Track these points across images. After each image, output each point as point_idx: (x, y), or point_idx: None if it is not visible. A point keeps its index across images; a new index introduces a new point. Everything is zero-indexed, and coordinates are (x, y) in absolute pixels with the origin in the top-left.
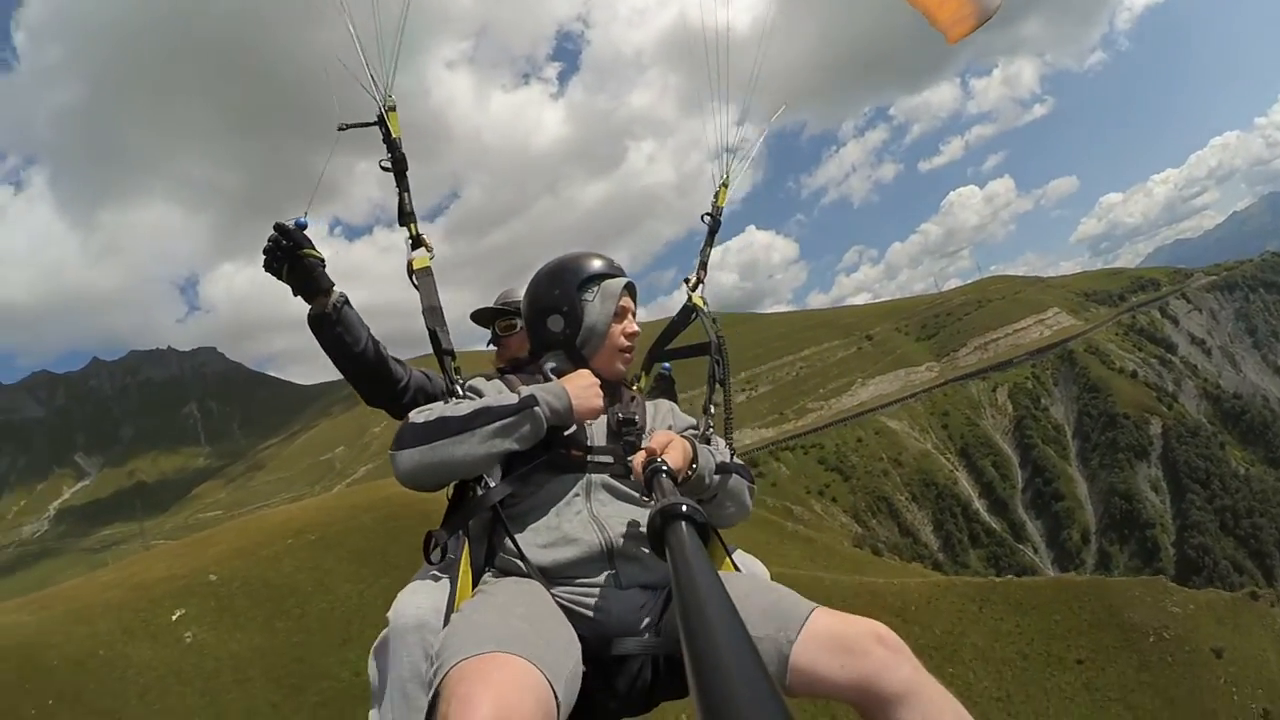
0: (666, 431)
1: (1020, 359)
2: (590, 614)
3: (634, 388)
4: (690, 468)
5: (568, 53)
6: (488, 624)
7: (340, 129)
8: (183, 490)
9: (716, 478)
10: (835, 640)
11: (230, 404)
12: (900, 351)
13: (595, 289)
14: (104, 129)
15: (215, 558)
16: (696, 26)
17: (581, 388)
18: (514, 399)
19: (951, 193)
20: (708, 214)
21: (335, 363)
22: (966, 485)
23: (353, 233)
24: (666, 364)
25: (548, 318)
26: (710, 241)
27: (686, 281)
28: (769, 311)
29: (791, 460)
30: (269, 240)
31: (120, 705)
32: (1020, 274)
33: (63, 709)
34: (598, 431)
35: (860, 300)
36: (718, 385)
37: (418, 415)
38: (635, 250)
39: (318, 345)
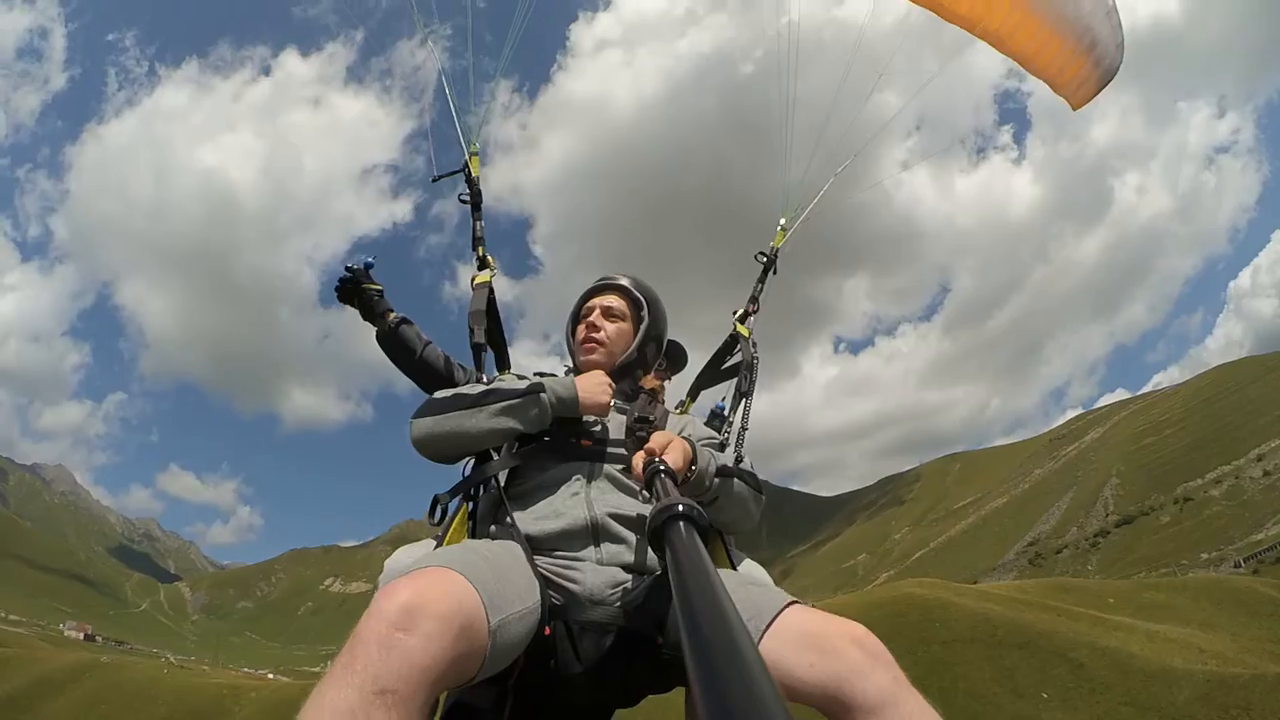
0: (667, 432)
1: None
2: (566, 584)
3: (677, 410)
4: (690, 469)
5: (1013, 112)
6: (446, 553)
7: (433, 180)
8: None
9: (717, 480)
10: (807, 637)
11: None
12: None
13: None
14: None
15: None
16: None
17: (592, 383)
18: (525, 384)
19: None
20: (762, 253)
21: (399, 368)
22: None
23: (855, 346)
24: (721, 402)
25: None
26: (763, 279)
27: (734, 313)
28: None
29: None
30: (339, 279)
31: None
32: None
33: None
34: (615, 428)
35: None
36: (741, 399)
37: (441, 393)
38: (1153, 298)
39: (838, 457)
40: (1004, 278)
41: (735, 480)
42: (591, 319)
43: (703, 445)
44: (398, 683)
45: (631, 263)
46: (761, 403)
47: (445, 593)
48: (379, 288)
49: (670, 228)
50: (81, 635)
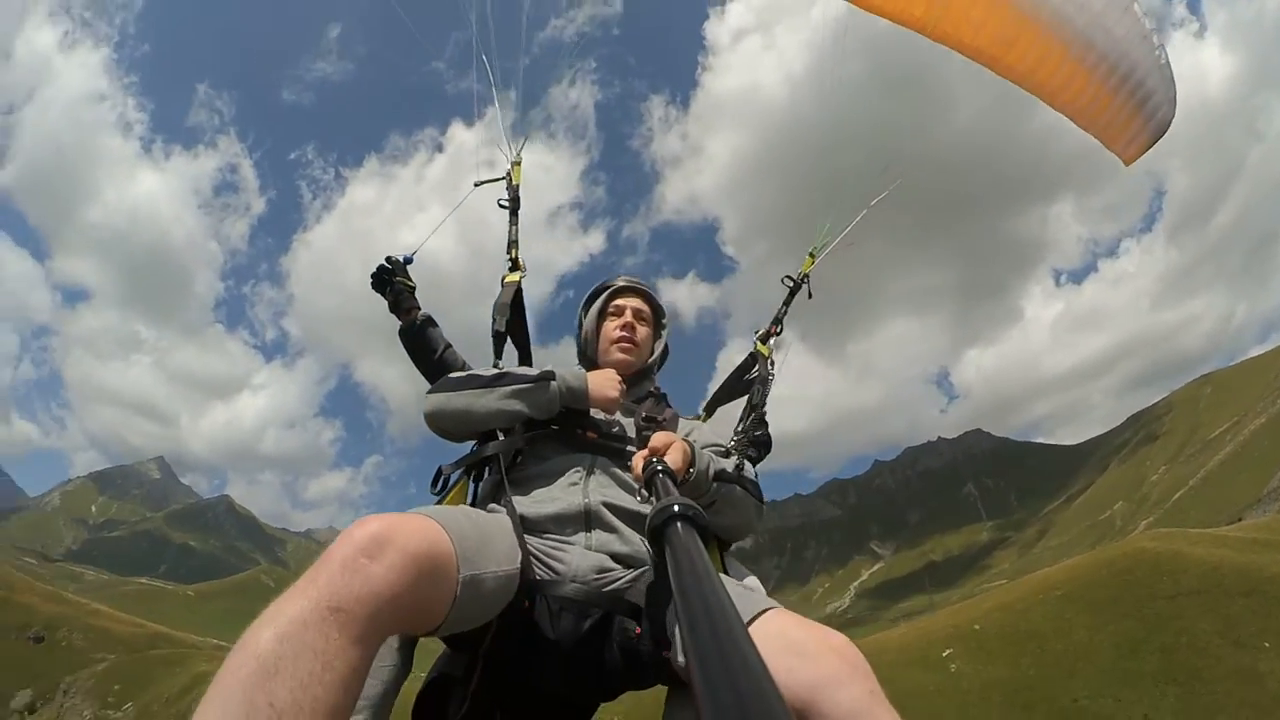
0: (669, 433)
1: None
2: (552, 563)
3: (696, 418)
4: (689, 470)
5: None
6: (431, 507)
7: (475, 185)
8: (969, 564)
9: (715, 484)
10: (786, 641)
11: (1004, 477)
12: None
13: (590, 305)
14: (831, 293)
15: (982, 611)
16: None
17: (603, 376)
18: (537, 371)
19: None
20: (789, 277)
21: (417, 366)
22: None
23: (1077, 275)
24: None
25: (576, 338)
26: (788, 302)
27: (756, 332)
28: None
29: None
30: (376, 267)
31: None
32: None
33: None
34: (625, 427)
35: None
36: (751, 411)
37: (457, 373)
38: None
39: (1079, 400)
40: (1219, 167)
41: (735, 486)
42: (628, 319)
43: (706, 449)
44: (353, 604)
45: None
46: (988, 356)
47: (418, 532)
48: (412, 285)
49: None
50: None
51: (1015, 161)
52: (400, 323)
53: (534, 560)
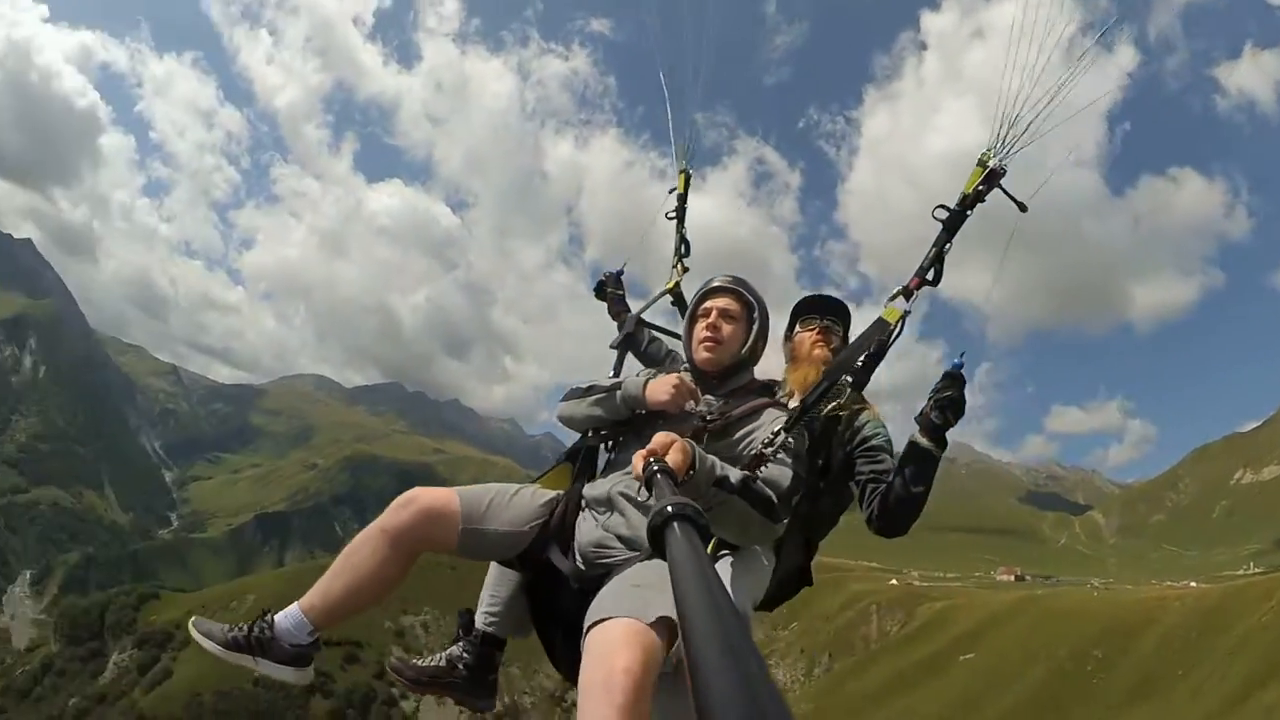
0: (669, 433)
1: None
2: (576, 531)
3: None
4: (689, 471)
5: None
6: (470, 486)
7: (669, 216)
8: None
9: (714, 491)
10: (588, 648)
11: None
12: None
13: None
14: None
15: None
16: None
17: (661, 381)
18: (611, 381)
19: None
20: (943, 206)
21: (635, 355)
22: None
23: None
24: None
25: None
26: (949, 238)
27: (894, 293)
28: None
29: None
30: (596, 281)
31: None
32: None
33: None
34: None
35: None
36: (803, 414)
37: (577, 384)
38: None
39: None
40: None
41: (735, 498)
42: (711, 319)
43: (769, 451)
44: (391, 529)
45: None
46: None
47: (434, 497)
48: (621, 292)
49: None
50: (1011, 578)
51: None
52: (616, 324)
53: (569, 525)
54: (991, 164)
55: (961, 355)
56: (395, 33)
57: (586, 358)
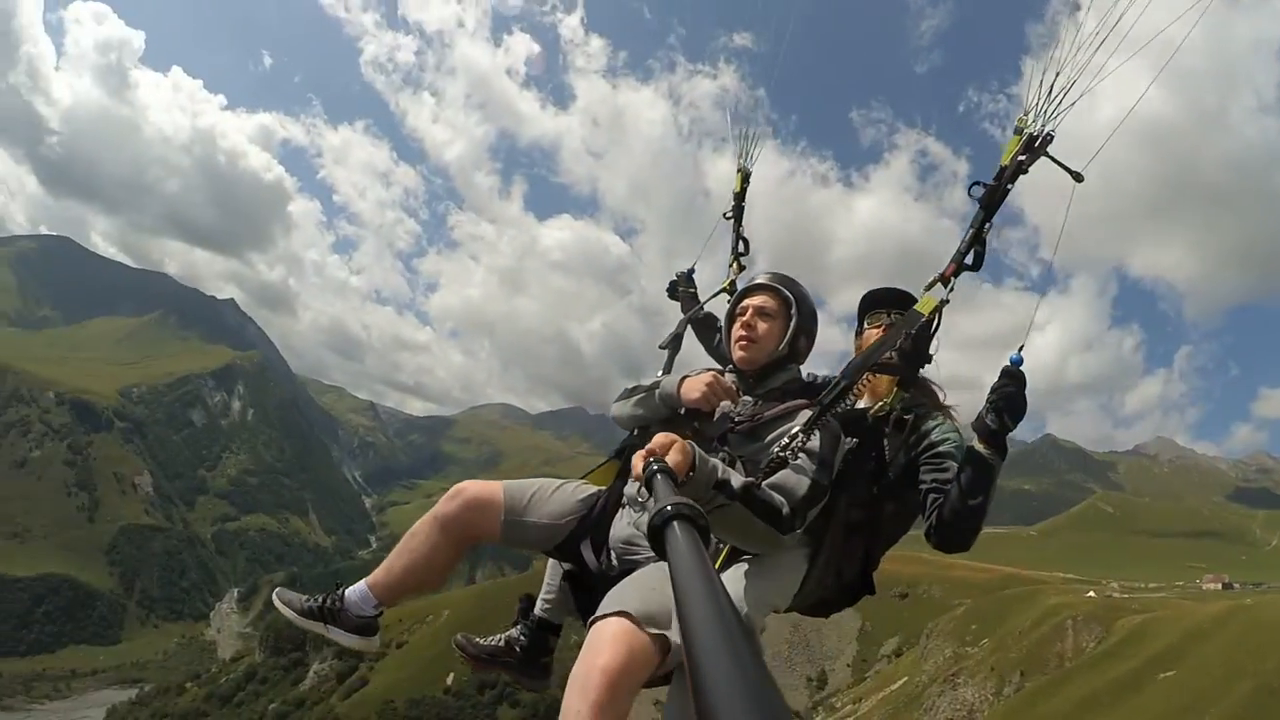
0: (669, 433)
1: None
2: (609, 525)
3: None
4: (689, 472)
5: None
6: (518, 481)
7: (725, 216)
8: None
9: (714, 494)
10: (585, 641)
11: None
12: None
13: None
14: None
15: None
16: None
17: (696, 378)
18: (650, 382)
19: None
20: (979, 183)
21: (708, 352)
22: None
23: None
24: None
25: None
26: (988, 218)
27: (933, 278)
28: None
29: None
30: (669, 281)
31: None
32: None
33: None
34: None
35: None
36: (823, 413)
37: (627, 386)
38: None
39: None
40: None
41: (735, 504)
42: (746, 318)
43: (786, 454)
44: (442, 518)
45: None
46: None
47: (480, 489)
48: (693, 290)
49: None
50: (1219, 585)
51: None
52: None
53: (606, 521)
54: (1029, 130)
55: (1020, 349)
56: (549, 77)
57: None
